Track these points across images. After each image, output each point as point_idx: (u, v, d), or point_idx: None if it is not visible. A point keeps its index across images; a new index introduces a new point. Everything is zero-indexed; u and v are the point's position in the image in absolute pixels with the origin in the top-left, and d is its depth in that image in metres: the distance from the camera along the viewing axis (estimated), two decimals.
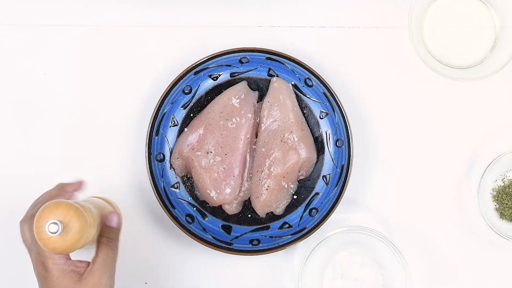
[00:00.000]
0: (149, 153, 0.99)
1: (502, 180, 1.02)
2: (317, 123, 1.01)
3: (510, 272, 1.01)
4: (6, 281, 1.02)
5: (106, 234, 0.89)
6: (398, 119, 1.03)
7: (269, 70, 1.01)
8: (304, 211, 1.00)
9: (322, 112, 1.01)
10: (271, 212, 1.00)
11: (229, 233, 1.00)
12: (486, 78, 0.99)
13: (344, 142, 0.99)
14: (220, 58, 1.00)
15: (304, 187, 1.00)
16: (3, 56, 1.03)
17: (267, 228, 1.00)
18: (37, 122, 1.03)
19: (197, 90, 1.01)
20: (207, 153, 0.99)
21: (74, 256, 0.97)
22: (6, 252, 1.02)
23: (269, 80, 1.01)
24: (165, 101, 1.00)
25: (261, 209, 1.00)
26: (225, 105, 1.00)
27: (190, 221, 1.00)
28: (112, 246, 0.88)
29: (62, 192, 0.88)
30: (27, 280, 1.01)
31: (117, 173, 1.02)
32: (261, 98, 1.01)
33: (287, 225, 1.00)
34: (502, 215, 1.01)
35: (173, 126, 1.01)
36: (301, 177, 1.00)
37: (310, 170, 1.00)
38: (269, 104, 1.00)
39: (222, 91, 1.01)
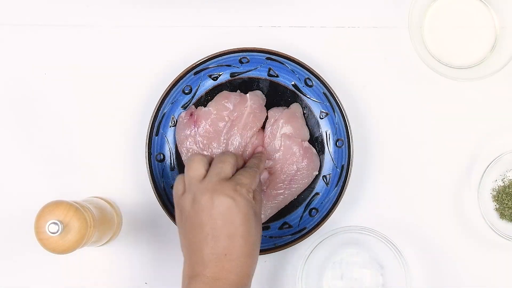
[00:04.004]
0: (149, 153, 0.99)
1: (502, 180, 1.02)
2: (317, 123, 1.01)
3: (510, 272, 1.01)
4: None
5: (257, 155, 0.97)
6: (398, 119, 1.02)
7: (269, 70, 1.01)
8: (304, 211, 1.00)
9: (322, 112, 1.00)
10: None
11: None
12: (486, 78, 0.99)
13: (344, 142, 0.99)
14: (220, 58, 1.00)
15: None
16: (3, 56, 1.03)
17: (267, 228, 1.00)
18: (37, 122, 1.02)
19: (197, 90, 1.01)
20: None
21: (74, 256, 0.97)
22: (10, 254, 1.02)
23: (269, 81, 1.01)
24: (165, 101, 1.00)
25: None
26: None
27: None
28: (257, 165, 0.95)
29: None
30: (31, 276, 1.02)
31: (117, 173, 1.02)
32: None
33: (287, 225, 1.00)
34: (502, 215, 1.01)
35: (173, 126, 1.01)
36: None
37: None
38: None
39: (223, 91, 1.01)
